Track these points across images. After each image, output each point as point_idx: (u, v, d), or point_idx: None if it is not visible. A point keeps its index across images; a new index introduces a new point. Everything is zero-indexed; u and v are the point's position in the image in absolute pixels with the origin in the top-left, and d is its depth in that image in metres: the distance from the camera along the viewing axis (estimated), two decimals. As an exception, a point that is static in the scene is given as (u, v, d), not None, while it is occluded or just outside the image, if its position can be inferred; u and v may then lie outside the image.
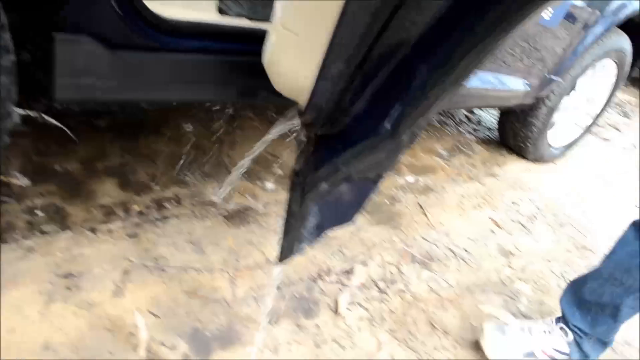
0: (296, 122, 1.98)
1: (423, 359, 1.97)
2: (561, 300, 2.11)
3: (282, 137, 2.69)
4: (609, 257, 2.00)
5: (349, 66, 1.14)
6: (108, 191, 2.18)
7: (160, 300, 1.82)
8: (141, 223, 2.09)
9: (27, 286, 1.71)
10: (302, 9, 1.19)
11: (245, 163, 2.09)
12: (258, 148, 2.05)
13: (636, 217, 1.92)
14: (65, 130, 2.27)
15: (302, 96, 1.30)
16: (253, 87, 2.11)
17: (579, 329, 2.00)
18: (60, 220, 1.98)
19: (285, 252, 1.42)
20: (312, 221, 1.30)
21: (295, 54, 1.26)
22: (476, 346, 2.10)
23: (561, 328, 2.03)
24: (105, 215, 2.07)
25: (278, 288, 2.04)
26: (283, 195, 2.42)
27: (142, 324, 1.71)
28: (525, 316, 2.38)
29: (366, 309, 2.10)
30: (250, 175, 2.58)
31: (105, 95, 1.79)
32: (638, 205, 3.80)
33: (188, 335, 1.74)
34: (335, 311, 2.04)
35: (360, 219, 2.59)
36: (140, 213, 2.14)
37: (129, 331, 1.68)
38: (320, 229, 1.36)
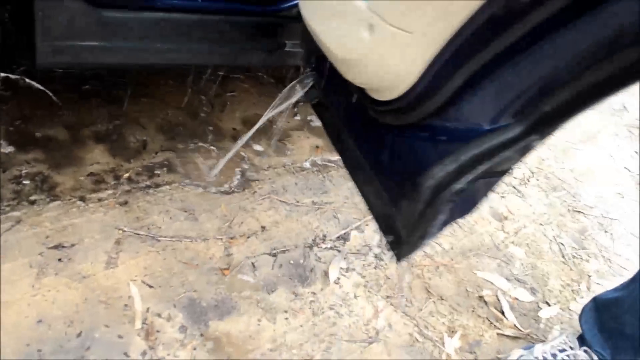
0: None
1: (419, 325, 1.97)
2: (580, 319, 2.02)
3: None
4: (632, 285, 1.86)
5: (466, 63, 1.13)
6: (97, 158, 2.12)
7: (155, 270, 1.79)
8: (132, 190, 2.04)
9: (17, 259, 1.66)
10: (422, 9, 1.13)
11: (245, 138, 2.03)
12: (259, 122, 1.99)
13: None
14: (49, 95, 2.19)
15: (393, 89, 1.28)
16: (248, 49, 2.04)
17: (601, 355, 1.90)
18: (49, 189, 1.93)
19: (408, 250, 1.39)
20: (441, 218, 1.27)
21: (405, 51, 1.21)
22: (472, 311, 2.10)
23: (585, 351, 1.95)
24: (94, 183, 2.01)
25: (274, 255, 2.01)
26: (276, 160, 2.38)
27: (137, 295, 1.68)
28: (519, 280, 2.38)
29: (362, 276, 2.08)
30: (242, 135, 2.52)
31: (91, 59, 1.72)
32: None
33: (184, 306, 1.72)
34: (330, 278, 2.02)
35: (354, 183, 2.55)
36: (131, 180, 2.08)
37: (124, 303, 1.66)
38: (446, 223, 1.33)
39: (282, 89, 2.99)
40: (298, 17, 2.06)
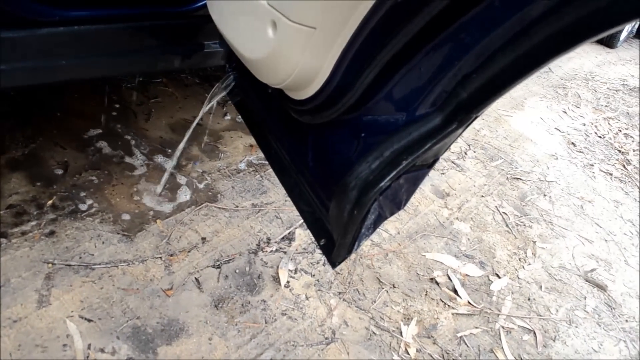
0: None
1: (375, 318, 1.93)
2: None
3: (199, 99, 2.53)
4: None
5: (376, 55, 1.06)
6: (15, 188, 1.97)
7: (92, 302, 1.68)
8: (58, 218, 1.91)
9: (-64, 311, 1.52)
10: (325, 6, 1.05)
11: (181, 147, 1.93)
12: (191, 128, 1.89)
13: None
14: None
15: (307, 87, 1.23)
16: (164, 54, 1.93)
17: None
18: (-35, 228, 1.78)
19: (342, 254, 1.31)
20: (371, 218, 1.20)
21: (310, 47, 1.12)
22: (425, 295, 2.09)
23: None
24: (15, 216, 1.87)
25: (218, 267, 1.93)
26: (210, 165, 2.29)
27: (76, 332, 1.58)
28: (467, 256, 2.39)
29: (312, 275, 2.03)
30: (171, 144, 2.41)
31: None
32: None
33: (128, 336, 1.62)
34: (280, 282, 1.96)
35: (293, 180, 2.49)
36: (55, 207, 1.95)
37: (62, 343, 1.55)
38: (378, 222, 1.26)
39: (208, 89, 2.90)
40: (209, 16, 1.97)
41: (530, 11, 0.91)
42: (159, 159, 2.32)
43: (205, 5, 1.91)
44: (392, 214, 1.33)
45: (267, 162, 2.49)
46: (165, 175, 2.14)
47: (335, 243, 1.34)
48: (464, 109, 1.06)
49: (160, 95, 2.74)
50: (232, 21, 1.36)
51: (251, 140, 2.65)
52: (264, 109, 1.70)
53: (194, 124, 1.97)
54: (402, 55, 1.12)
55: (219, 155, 2.49)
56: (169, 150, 2.39)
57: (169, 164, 2.14)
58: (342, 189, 1.25)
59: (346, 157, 1.29)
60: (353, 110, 1.25)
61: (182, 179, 2.25)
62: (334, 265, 1.37)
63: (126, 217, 2.00)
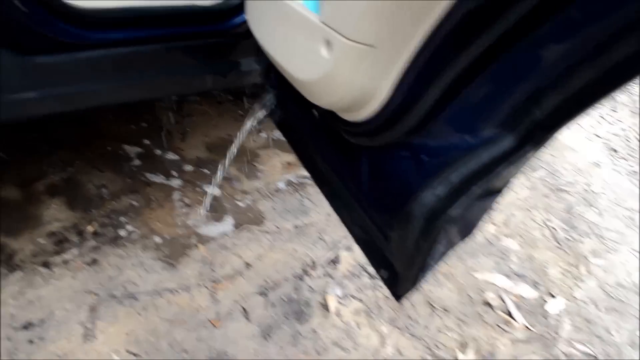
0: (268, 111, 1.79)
1: (429, 346, 1.85)
2: None
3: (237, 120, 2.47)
4: None
5: (441, 74, 0.98)
6: (55, 214, 1.92)
7: (138, 335, 1.62)
8: (99, 246, 1.86)
9: (-19, 349, 1.47)
10: (381, 19, 0.97)
11: (224, 166, 1.87)
12: (234, 147, 1.82)
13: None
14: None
15: (362, 108, 1.15)
16: (199, 75, 1.87)
17: None
18: (7, 260, 1.73)
19: (407, 287, 1.23)
20: (438, 248, 1.12)
21: (368, 66, 1.05)
22: (480, 319, 1.99)
23: None
24: (56, 244, 1.82)
25: (264, 294, 1.86)
26: (249, 185, 2.22)
27: (123, 368, 1.51)
28: (519, 275, 2.29)
29: (360, 300, 1.95)
30: (208, 163, 2.35)
31: (28, 112, 1.53)
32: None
33: (177, 371, 1.56)
34: (329, 309, 1.88)
35: (334, 198, 2.42)
36: (96, 234, 1.90)
37: (109, 381, 1.49)
38: (444, 252, 1.18)
39: (242, 106, 2.84)
40: (248, 34, 1.91)
41: (619, 18, 0.82)
42: (197, 179, 2.26)
43: (241, 23, 1.84)
44: (458, 243, 1.24)
45: (306, 181, 2.42)
46: (208, 198, 2.08)
47: (398, 274, 1.25)
48: (539, 129, 0.97)
49: (194, 113, 2.68)
50: (280, 40, 1.29)
51: (288, 158, 2.58)
52: (310, 129, 1.62)
53: (236, 146, 1.90)
54: (469, 72, 1.04)
55: (257, 175, 2.42)
56: (207, 171, 2.32)
57: (211, 187, 2.07)
58: (404, 217, 1.17)
59: (407, 182, 1.21)
60: (413, 132, 1.17)
61: (222, 200, 2.19)
62: (398, 298, 1.29)
63: (168, 242, 1.94)
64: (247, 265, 1.95)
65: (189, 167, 2.32)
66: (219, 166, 1.84)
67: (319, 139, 1.55)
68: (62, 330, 1.57)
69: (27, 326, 1.56)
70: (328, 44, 1.05)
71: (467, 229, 1.19)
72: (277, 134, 2.72)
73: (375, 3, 0.93)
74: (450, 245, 1.18)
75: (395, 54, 1.03)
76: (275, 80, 1.81)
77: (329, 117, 1.34)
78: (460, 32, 0.95)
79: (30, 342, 1.52)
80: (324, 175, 1.55)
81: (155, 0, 1.75)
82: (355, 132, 1.27)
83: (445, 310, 2.01)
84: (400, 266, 1.22)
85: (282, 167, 2.51)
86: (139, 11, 1.61)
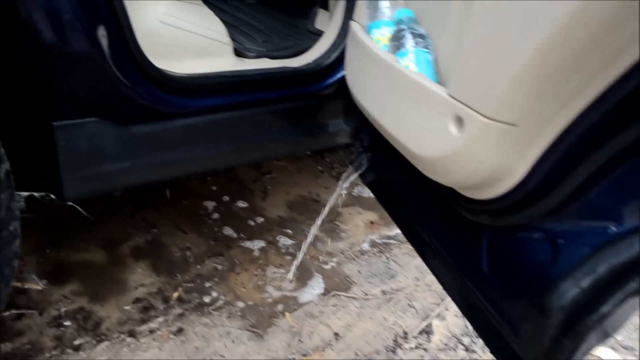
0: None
1: None
2: None
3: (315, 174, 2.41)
4: None
5: (591, 154, 0.89)
6: (140, 279, 1.88)
7: (228, 415, 1.53)
8: (185, 313, 1.80)
9: None
10: (532, 101, 0.88)
11: (313, 232, 1.80)
12: (324, 212, 1.75)
13: None
14: (79, 210, 1.98)
15: (490, 187, 1.06)
16: (289, 138, 1.82)
17: None
18: (93, 328, 1.69)
19: None
20: (584, 348, 1.01)
21: (506, 146, 0.95)
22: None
23: None
24: (142, 311, 1.77)
25: (355, 368, 1.74)
26: (332, 247, 2.14)
27: None
28: (626, 348, 2.09)
29: (458, 376, 1.81)
30: (290, 223, 2.28)
31: (123, 182, 1.50)
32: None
33: None
34: (425, 385, 1.74)
35: (420, 260, 2.30)
36: (181, 300, 1.84)
37: None
38: (587, 351, 1.07)
39: (321, 161, 2.78)
40: (337, 94, 1.85)
41: None
42: (281, 241, 2.19)
43: (330, 85, 1.79)
44: (603, 341, 1.11)
45: (390, 242, 2.31)
46: (295, 263, 2.00)
47: None
48: None
49: (274, 170, 2.64)
50: (395, 112, 1.20)
51: (370, 216, 2.49)
52: (413, 198, 1.53)
53: (326, 211, 1.82)
54: (623, 155, 0.93)
55: (340, 235, 2.33)
56: (289, 231, 2.26)
57: (300, 253, 1.99)
58: (541, 310, 1.05)
59: (540, 270, 1.09)
60: (550, 215, 1.05)
61: (306, 263, 2.10)
62: None
63: (254, 310, 1.86)
64: (337, 335, 1.84)
65: (271, 227, 2.26)
66: (309, 233, 1.77)
67: (426, 211, 1.45)
68: (150, 407, 1.50)
69: (114, 402, 1.50)
70: (459, 120, 0.96)
71: (614, 328, 1.06)
72: (357, 190, 2.64)
73: (524, 81, 0.84)
74: (594, 344, 1.05)
75: (537, 133, 0.93)
76: (368, 142, 1.74)
77: (445, 191, 1.25)
78: (617, 113, 0.85)
79: (118, 420, 1.46)
80: (430, 249, 1.44)
81: (249, 60, 1.73)
82: (477, 211, 1.17)
83: (551, 389, 1.83)
84: None
85: (364, 227, 2.42)
86: (233, 76, 1.58)
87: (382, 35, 1.27)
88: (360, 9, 1.39)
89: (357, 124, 1.91)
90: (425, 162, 1.13)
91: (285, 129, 1.77)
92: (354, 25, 1.39)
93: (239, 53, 1.74)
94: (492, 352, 1.26)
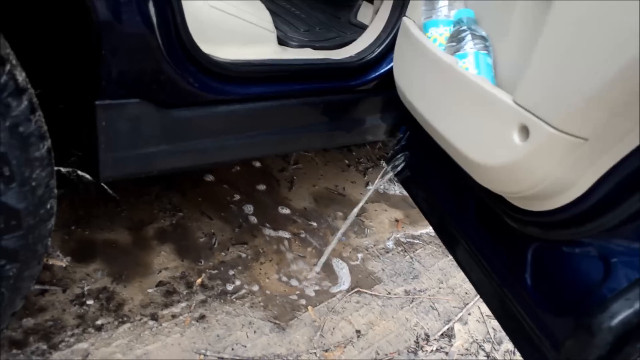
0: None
1: None
2: None
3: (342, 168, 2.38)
4: None
5: None
6: (164, 262, 1.87)
7: (248, 406, 1.51)
8: (207, 300, 1.78)
9: (90, 408, 1.40)
10: (609, 117, 0.85)
11: (344, 227, 1.78)
12: (355, 210, 1.73)
13: None
14: (105, 189, 1.97)
15: (546, 200, 1.04)
16: (327, 131, 1.79)
17: None
18: (115, 308, 1.67)
19: None
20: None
21: (573, 159, 0.92)
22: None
23: None
24: (165, 295, 1.76)
25: (376, 368, 1.72)
26: (357, 242, 2.12)
27: None
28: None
29: (479, 382, 1.79)
30: (316, 216, 2.26)
31: (160, 166, 1.48)
32: None
33: None
34: (445, 390, 1.72)
35: (445, 261, 2.27)
36: (204, 286, 1.82)
37: None
38: None
39: (348, 155, 2.75)
40: (377, 90, 1.82)
41: None
42: (305, 232, 2.17)
43: (369, 80, 1.76)
44: None
45: (415, 242, 2.29)
46: (323, 258, 1.98)
47: None
48: None
49: (300, 161, 2.61)
50: (451, 115, 1.17)
51: (396, 214, 2.46)
52: (454, 202, 1.50)
53: (358, 206, 1.80)
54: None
55: (364, 231, 2.31)
56: (314, 223, 2.23)
57: (329, 247, 1.97)
58: (587, 328, 1.02)
59: (589, 287, 1.06)
60: (605, 233, 1.02)
61: (330, 258, 2.08)
62: None
63: (276, 301, 1.85)
64: (358, 332, 1.83)
65: (296, 219, 2.23)
66: (340, 228, 1.75)
67: (467, 216, 1.42)
68: (170, 393, 1.49)
69: (135, 385, 1.49)
70: (524, 130, 0.93)
71: None
72: (384, 187, 2.61)
73: (606, 97, 0.80)
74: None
75: (607, 150, 0.89)
76: (406, 141, 1.71)
77: (492, 199, 1.22)
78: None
79: (139, 403, 1.44)
80: (468, 254, 1.42)
81: (291, 49, 1.70)
82: (528, 222, 1.13)
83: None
84: None
85: (389, 224, 2.39)
86: (276, 64, 1.55)
87: (439, 35, 1.24)
88: (416, 5, 1.35)
89: (395, 122, 1.88)
90: (480, 169, 1.09)
91: (322, 122, 1.74)
92: (407, 22, 1.36)
93: (281, 42, 1.71)
94: None
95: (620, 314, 0.96)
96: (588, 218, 1.00)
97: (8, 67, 0.95)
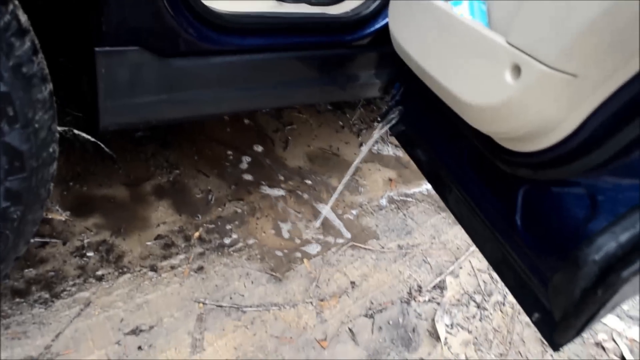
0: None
1: (544, 388, 1.72)
2: None
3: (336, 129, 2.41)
4: None
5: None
6: (162, 217, 1.90)
7: (247, 351, 1.56)
8: (205, 253, 1.82)
9: (92, 351, 1.44)
10: (597, 52, 0.87)
11: (343, 182, 1.82)
12: (352, 167, 1.76)
13: None
14: (102, 147, 1.99)
15: (537, 139, 1.07)
16: (322, 86, 1.81)
17: None
18: (115, 260, 1.71)
19: (569, 336, 1.12)
20: (615, 299, 1.02)
21: (564, 96, 0.95)
22: (597, 364, 1.85)
23: None
24: (163, 247, 1.79)
25: (370, 316, 1.77)
26: (351, 200, 2.15)
27: (233, 385, 1.45)
28: (631, 317, 2.12)
29: (469, 331, 1.84)
30: (310, 174, 2.30)
31: (159, 116, 1.50)
32: None
33: (286, 393, 1.49)
34: (437, 338, 1.78)
35: (437, 219, 2.32)
36: (202, 240, 1.86)
37: (220, 398, 1.43)
38: (618, 304, 1.08)
39: (342, 117, 2.77)
40: (372, 46, 1.83)
41: None
42: (300, 190, 2.20)
43: (365, 35, 1.77)
44: (635, 295, 1.12)
45: (408, 199, 2.32)
46: (322, 215, 2.03)
47: (556, 320, 1.14)
48: None
49: (295, 122, 2.63)
50: (447, 60, 1.20)
51: (389, 173, 2.50)
52: (447, 150, 1.53)
53: (355, 163, 1.83)
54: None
55: (358, 190, 2.34)
56: (309, 182, 2.27)
57: (326, 207, 2.01)
58: (574, 261, 1.06)
59: (578, 223, 1.10)
60: (594, 170, 1.06)
61: (326, 214, 2.12)
62: (556, 347, 1.17)
63: (273, 254, 1.89)
64: (353, 284, 1.87)
65: (291, 177, 2.27)
66: (338, 185, 1.78)
67: (458, 163, 1.45)
68: (171, 339, 1.53)
69: (135, 331, 1.53)
70: (516, 69, 0.96)
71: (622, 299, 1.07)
72: (377, 147, 2.64)
73: (594, 32, 0.83)
74: (627, 297, 1.07)
75: (596, 85, 0.92)
76: (400, 96, 1.73)
77: (483, 143, 1.25)
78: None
79: (140, 348, 1.49)
80: (461, 203, 1.45)
81: (288, 4, 1.72)
82: (518, 163, 1.17)
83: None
84: (559, 312, 1.11)
85: (383, 183, 2.43)
86: (274, 17, 1.56)
87: (433, -18, 1.25)
88: (409, -46, 1.37)
89: (389, 78, 1.90)
90: (474, 110, 1.12)
91: (318, 76, 1.76)
92: (401, -29, 1.38)
93: (279, -3, 1.73)
94: (519, 302, 1.29)
95: (605, 246, 1.00)
96: (576, 156, 1.03)
97: (11, 6, 0.97)
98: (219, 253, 1.83)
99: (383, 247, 2.07)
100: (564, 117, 1.00)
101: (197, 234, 1.87)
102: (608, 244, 1.00)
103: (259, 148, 2.37)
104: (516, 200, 1.24)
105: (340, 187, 1.93)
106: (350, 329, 1.71)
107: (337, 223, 2.11)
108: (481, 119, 1.14)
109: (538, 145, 1.09)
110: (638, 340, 2.04)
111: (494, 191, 1.33)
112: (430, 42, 1.24)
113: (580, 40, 0.86)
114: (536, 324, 1.22)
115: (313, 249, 1.96)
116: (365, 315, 1.77)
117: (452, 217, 1.55)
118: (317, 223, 2.03)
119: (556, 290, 1.12)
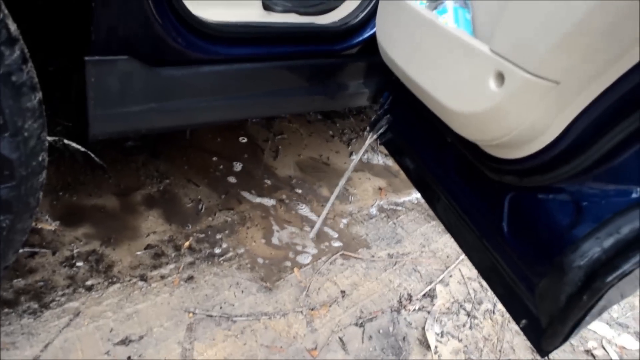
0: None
1: (534, 396, 1.72)
2: None
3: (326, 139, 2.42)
4: None
5: (629, 115, 0.91)
6: (152, 226, 1.90)
7: (237, 360, 1.56)
8: (195, 262, 1.82)
9: (81, 361, 1.44)
10: (578, 58, 0.89)
11: (335, 193, 1.83)
12: (344, 176, 1.77)
13: None
14: (91, 157, 1.99)
15: (521, 146, 1.08)
16: (310, 95, 1.83)
17: None
18: (105, 270, 1.70)
19: (556, 342, 1.13)
20: (600, 304, 1.03)
21: (546, 103, 0.96)
22: (586, 372, 1.86)
23: None
24: (153, 257, 1.79)
25: (361, 325, 1.78)
26: (341, 209, 2.16)
27: (223, 395, 1.45)
28: (621, 325, 2.14)
29: (459, 339, 1.85)
30: (301, 184, 2.30)
31: (149, 124, 1.51)
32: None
33: (276, 402, 1.49)
34: (427, 347, 1.78)
35: (427, 227, 2.33)
36: (192, 249, 1.86)
37: (210, 407, 1.43)
38: (604, 309, 1.09)
39: (332, 126, 2.79)
40: (360, 55, 1.85)
41: None
42: (290, 199, 2.21)
43: (353, 45, 1.79)
44: (621, 300, 1.14)
45: (398, 208, 2.34)
46: (317, 225, 2.03)
47: (543, 326, 1.15)
48: None
49: (285, 131, 2.64)
50: (432, 69, 1.21)
51: (379, 182, 2.51)
52: (434, 159, 1.54)
53: (348, 172, 1.84)
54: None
55: (349, 199, 2.35)
56: (299, 190, 2.27)
57: (321, 217, 2.02)
58: (559, 267, 1.07)
59: (562, 229, 1.11)
60: (578, 176, 1.07)
61: (317, 224, 2.12)
62: (543, 353, 1.18)
63: (263, 263, 1.89)
64: (343, 293, 1.88)
65: (281, 186, 2.27)
66: (331, 195, 1.79)
67: (445, 170, 1.47)
68: (161, 349, 1.53)
69: (125, 341, 1.52)
70: (499, 76, 0.98)
71: (633, 287, 1.08)
72: (367, 157, 2.66)
73: (574, 39, 0.85)
74: (613, 302, 1.08)
75: (578, 93, 0.94)
76: (389, 105, 1.75)
77: (470, 150, 1.26)
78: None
79: (129, 358, 1.48)
80: (449, 210, 1.47)
81: (276, 14, 1.73)
82: (504, 170, 1.18)
83: (547, 356, 1.88)
84: (546, 318, 1.12)
85: (373, 192, 2.44)
86: (263, 27, 1.58)
87: (419, -8, 1.27)
88: (395, -35, 1.39)
89: (377, 87, 1.92)
90: (460, 118, 1.14)
91: (307, 85, 1.77)
92: (388, -18, 1.39)
93: (266, 7, 1.74)
94: (507, 309, 1.30)
95: (589, 252, 1.01)
96: (561, 162, 1.05)
97: (0, 15, 0.97)
98: (209, 262, 1.83)
99: (373, 256, 2.08)
100: (548, 123, 1.02)
101: (187, 244, 1.87)
102: (592, 249, 1.02)
103: (249, 158, 2.37)
104: (503, 207, 1.25)
105: (332, 197, 1.94)
106: (340, 338, 1.71)
107: (328, 232, 2.11)
108: (467, 126, 1.15)
109: (523, 152, 1.10)
110: (627, 347, 2.05)
111: (481, 198, 1.34)
112: (417, 50, 1.26)
113: (562, 47, 0.88)
114: (524, 330, 1.23)
115: (303, 258, 1.96)
116: (356, 324, 1.78)
117: (442, 225, 1.56)
118: (312, 234, 2.03)
119: (542, 297, 1.13)
